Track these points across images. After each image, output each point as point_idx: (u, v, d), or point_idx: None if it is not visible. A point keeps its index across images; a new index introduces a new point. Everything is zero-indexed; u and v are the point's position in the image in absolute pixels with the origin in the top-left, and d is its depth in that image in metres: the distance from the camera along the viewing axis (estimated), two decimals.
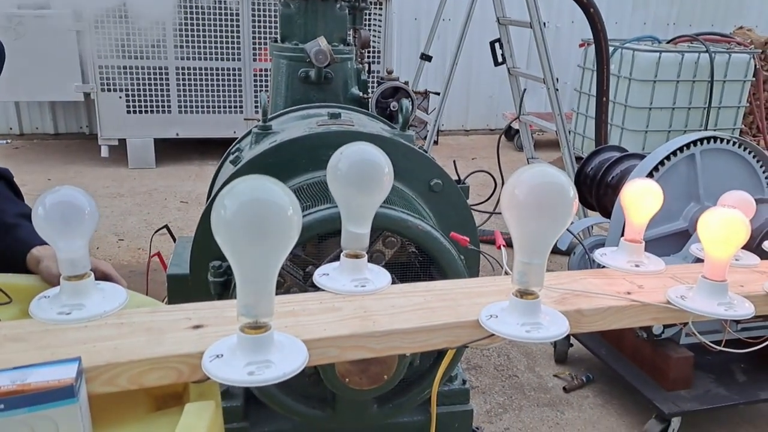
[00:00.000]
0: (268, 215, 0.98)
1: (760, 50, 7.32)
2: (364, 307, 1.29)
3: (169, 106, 6.64)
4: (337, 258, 1.70)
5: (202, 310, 1.22)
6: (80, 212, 1.13)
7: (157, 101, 6.60)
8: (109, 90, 6.47)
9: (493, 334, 1.20)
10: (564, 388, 3.35)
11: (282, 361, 1.04)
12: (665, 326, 2.92)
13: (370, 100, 2.74)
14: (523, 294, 1.21)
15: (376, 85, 2.84)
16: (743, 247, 1.40)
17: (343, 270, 1.40)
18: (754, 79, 6.78)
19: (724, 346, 1.60)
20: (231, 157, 2.28)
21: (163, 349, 1.08)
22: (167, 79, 6.56)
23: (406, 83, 2.93)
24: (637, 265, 1.52)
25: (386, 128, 2.41)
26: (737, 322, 2.69)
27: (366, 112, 2.62)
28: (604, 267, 1.56)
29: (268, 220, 0.98)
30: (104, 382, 1.04)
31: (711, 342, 1.56)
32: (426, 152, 2.23)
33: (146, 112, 6.62)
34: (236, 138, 2.70)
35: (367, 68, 3.12)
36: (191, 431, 0.98)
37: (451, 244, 1.85)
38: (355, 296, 1.34)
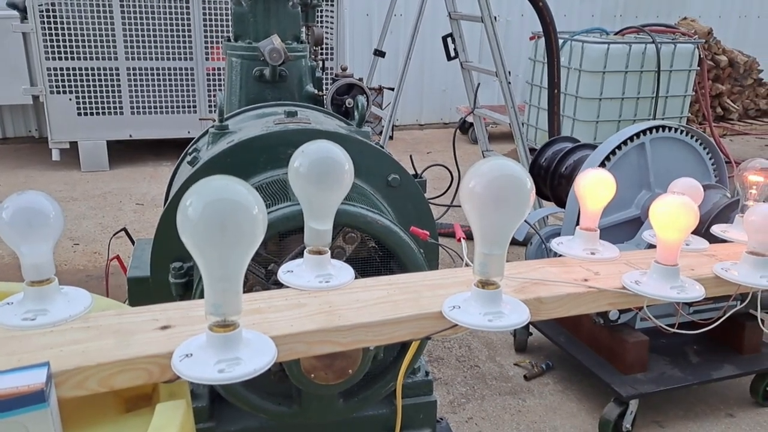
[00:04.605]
0: (233, 215, 0.99)
1: (704, 40, 7.50)
2: (329, 303, 1.31)
3: (121, 108, 6.55)
4: (298, 255, 1.72)
5: (169, 311, 1.22)
6: (45, 217, 1.13)
7: (108, 103, 6.50)
8: (58, 92, 6.36)
9: (456, 325, 1.23)
10: (525, 377, 3.41)
11: (251, 357, 1.06)
12: (621, 312, 2.99)
13: (325, 97, 2.75)
14: (484, 284, 1.23)
15: (330, 82, 2.85)
16: (692, 232, 1.45)
17: (307, 266, 1.42)
18: (698, 68, 6.94)
19: (677, 329, 1.65)
20: (188, 158, 2.27)
21: (132, 350, 1.09)
22: (118, 80, 6.46)
23: (361, 80, 2.95)
24: (592, 253, 1.56)
25: (342, 125, 2.42)
26: (689, 304, 2.77)
27: (322, 110, 2.64)
28: (561, 256, 1.60)
29: (233, 220, 0.99)
30: (74, 385, 1.04)
31: (665, 325, 1.61)
32: (382, 148, 2.26)
33: (98, 113, 6.52)
34: (190, 138, 2.69)
35: (321, 65, 3.13)
36: (164, 430, 0.99)
37: (411, 239, 1.88)
38: (320, 292, 1.35)
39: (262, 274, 1.85)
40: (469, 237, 1.45)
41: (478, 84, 5.34)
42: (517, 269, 1.47)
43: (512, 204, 1.15)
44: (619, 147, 3.04)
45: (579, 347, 3.28)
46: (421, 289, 1.38)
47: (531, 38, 7.40)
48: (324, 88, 2.82)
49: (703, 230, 1.85)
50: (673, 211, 1.31)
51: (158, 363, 1.08)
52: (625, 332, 3.06)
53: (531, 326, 3.57)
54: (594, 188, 1.56)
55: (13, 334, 1.13)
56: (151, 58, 6.48)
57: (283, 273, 1.41)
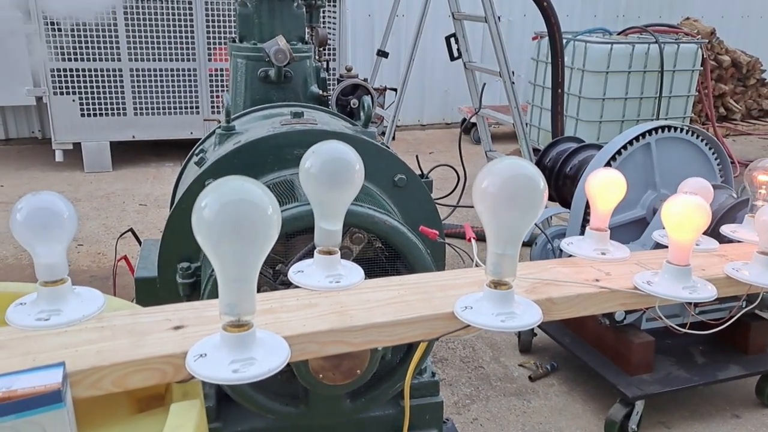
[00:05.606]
0: (249, 215, 0.99)
1: (707, 40, 7.49)
2: (340, 303, 1.31)
3: (124, 109, 6.55)
4: (305, 255, 1.72)
5: (182, 311, 1.22)
6: (59, 217, 1.13)
7: (111, 104, 6.51)
8: (62, 93, 6.36)
9: (468, 325, 1.23)
10: (529, 377, 3.40)
11: (265, 357, 1.06)
12: (627, 312, 2.99)
13: (329, 97, 2.75)
14: (496, 284, 1.23)
15: (336, 83, 2.85)
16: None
17: (318, 267, 1.42)
18: (701, 68, 6.94)
19: (687, 329, 1.65)
20: (195, 159, 2.27)
21: (146, 350, 1.09)
22: (121, 81, 6.47)
23: (365, 80, 2.95)
24: (603, 253, 1.56)
25: (348, 125, 2.42)
26: (696, 305, 2.76)
27: (327, 110, 2.63)
28: (570, 256, 1.59)
29: (249, 221, 0.99)
30: (89, 385, 1.04)
31: (675, 325, 1.61)
32: (388, 148, 2.25)
33: (101, 114, 6.53)
34: (193, 139, 2.70)
35: (325, 66, 3.13)
36: (180, 430, 0.99)
37: (418, 239, 1.88)
38: (331, 292, 1.35)
39: (269, 275, 1.85)
40: (479, 237, 1.44)
41: (484, 84, 5.34)
42: (528, 269, 1.47)
43: (526, 203, 1.15)
44: (624, 147, 3.03)
45: (584, 348, 3.27)
46: (432, 289, 1.38)
47: (534, 38, 7.40)
48: (328, 89, 2.82)
49: (709, 230, 1.84)
50: (688, 211, 1.31)
51: (172, 363, 1.08)
52: (630, 333, 3.06)
53: (536, 327, 3.56)
54: (605, 188, 1.56)
55: (27, 335, 1.13)
56: (154, 60, 6.49)
57: (294, 273, 1.41)
